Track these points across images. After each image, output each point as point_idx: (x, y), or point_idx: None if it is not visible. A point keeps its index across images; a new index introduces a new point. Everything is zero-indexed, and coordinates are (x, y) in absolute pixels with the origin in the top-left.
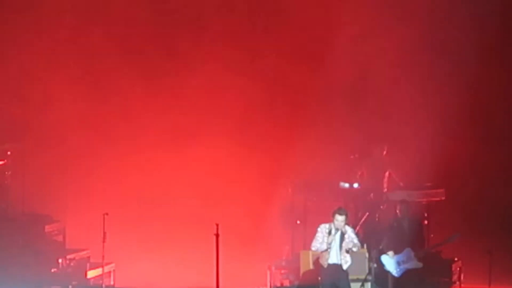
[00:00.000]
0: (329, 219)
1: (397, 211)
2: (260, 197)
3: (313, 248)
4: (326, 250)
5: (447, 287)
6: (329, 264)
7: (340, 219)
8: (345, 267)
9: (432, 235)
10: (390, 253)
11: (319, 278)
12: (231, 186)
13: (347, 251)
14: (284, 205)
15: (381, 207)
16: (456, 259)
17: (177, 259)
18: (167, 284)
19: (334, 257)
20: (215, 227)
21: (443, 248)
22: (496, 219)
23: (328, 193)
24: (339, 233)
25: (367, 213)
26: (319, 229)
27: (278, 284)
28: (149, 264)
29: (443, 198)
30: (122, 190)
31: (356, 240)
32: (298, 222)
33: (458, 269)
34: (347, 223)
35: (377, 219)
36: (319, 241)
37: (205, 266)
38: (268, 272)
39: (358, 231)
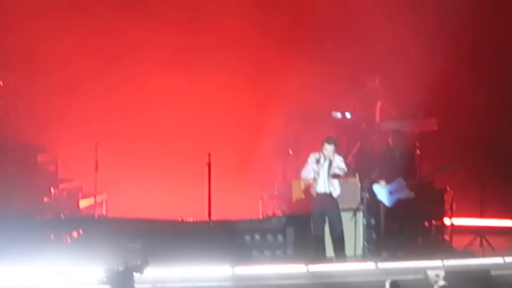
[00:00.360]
0: (322, 149)
1: (389, 141)
2: (252, 126)
3: (302, 177)
4: (314, 178)
5: (438, 217)
6: (318, 193)
7: (328, 148)
8: (334, 194)
9: (424, 165)
10: (382, 182)
11: (310, 207)
12: (223, 116)
13: (333, 177)
14: (276, 135)
15: (373, 137)
16: (448, 188)
17: (169, 188)
18: (159, 213)
19: (322, 186)
20: (207, 156)
21: (435, 178)
22: (488, 149)
23: (321, 122)
24: (327, 161)
25: (359, 143)
26: (309, 158)
27: (270, 214)
28: (141, 194)
29: (435, 128)
30: (114, 120)
31: (341, 165)
32: (290, 151)
33: (450, 198)
34: (336, 152)
35: (369, 149)
36: (308, 169)
37: (197, 196)
38: (260, 202)
39: (349, 161)
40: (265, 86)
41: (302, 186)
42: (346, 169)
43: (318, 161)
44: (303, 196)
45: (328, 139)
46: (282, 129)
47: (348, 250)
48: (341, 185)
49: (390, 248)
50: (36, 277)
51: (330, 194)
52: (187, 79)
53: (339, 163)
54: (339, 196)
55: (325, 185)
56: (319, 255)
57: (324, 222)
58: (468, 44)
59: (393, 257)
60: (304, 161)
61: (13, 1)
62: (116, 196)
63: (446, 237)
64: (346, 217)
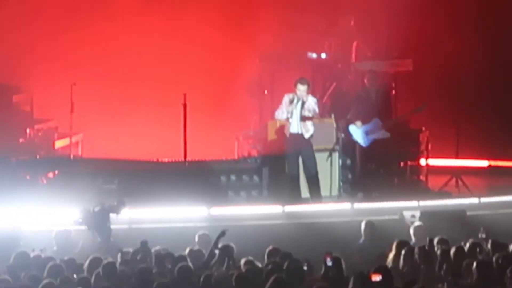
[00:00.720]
0: None
1: (365, 81)
2: (228, 67)
3: (276, 117)
4: (288, 119)
5: (414, 157)
6: (291, 133)
7: (302, 88)
8: (306, 136)
9: (399, 105)
10: (358, 123)
11: (284, 148)
12: (198, 57)
13: (303, 119)
14: (252, 75)
15: (349, 77)
16: (423, 129)
17: (144, 129)
18: (135, 154)
19: (295, 126)
20: (183, 97)
21: (410, 118)
22: (464, 89)
23: (296, 63)
24: (300, 102)
25: (335, 83)
26: (283, 99)
27: (246, 154)
28: (117, 135)
29: (410, 68)
30: (90, 61)
31: (312, 107)
32: (266, 92)
33: (425, 139)
34: (309, 93)
35: (344, 90)
36: (282, 110)
37: (173, 136)
38: (236, 142)
39: (325, 101)
40: (239, 27)
41: (277, 126)
42: (317, 110)
43: (291, 102)
44: (277, 136)
45: (301, 79)
46: (258, 70)
47: (324, 190)
48: (315, 125)
49: (366, 189)
50: (11, 218)
51: (302, 134)
52: (164, 19)
53: (310, 105)
54: (314, 136)
55: (297, 126)
56: (294, 195)
57: (298, 163)
58: None
59: (368, 197)
60: (279, 102)
61: None
62: (92, 137)
63: (422, 177)
64: (321, 157)
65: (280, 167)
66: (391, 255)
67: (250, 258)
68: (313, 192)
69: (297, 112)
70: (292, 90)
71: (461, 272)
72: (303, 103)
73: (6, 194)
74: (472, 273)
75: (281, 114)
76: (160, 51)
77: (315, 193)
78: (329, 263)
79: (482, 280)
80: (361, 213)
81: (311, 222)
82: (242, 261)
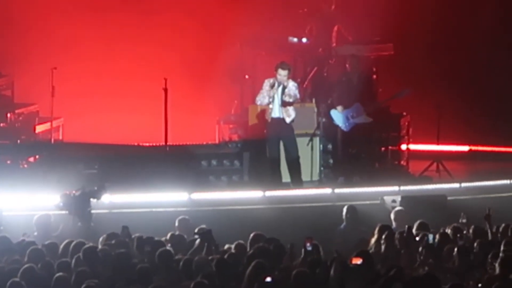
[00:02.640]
0: None
1: (346, 66)
2: (209, 52)
3: (257, 102)
4: (268, 104)
5: (395, 142)
6: (272, 118)
7: (282, 73)
8: (288, 120)
9: (381, 90)
10: (339, 107)
11: (265, 133)
12: (180, 41)
13: (284, 104)
14: (233, 59)
15: (330, 61)
16: (404, 114)
17: (125, 114)
18: (116, 138)
19: (276, 111)
20: (164, 82)
21: (392, 103)
22: (445, 74)
23: (277, 47)
24: (281, 87)
25: (316, 68)
26: (264, 84)
27: (227, 139)
28: (98, 119)
29: (392, 52)
30: (71, 45)
31: (293, 92)
32: (247, 76)
33: (406, 123)
34: (290, 78)
35: (325, 74)
36: (263, 95)
37: (154, 121)
38: (217, 127)
39: (306, 86)
40: (220, 12)
41: (258, 111)
42: (298, 95)
43: (272, 87)
44: (258, 121)
45: (282, 64)
46: (239, 54)
47: (305, 175)
48: (296, 110)
49: (347, 174)
50: None
51: (283, 119)
52: (144, 5)
53: (291, 90)
54: (295, 121)
55: (278, 110)
56: (275, 180)
57: (279, 147)
58: None
59: (350, 182)
60: (260, 87)
61: None
62: (73, 121)
63: (403, 162)
64: (302, 142)
65: (261, 152)
66: (373, 240)
67: (240, 242)
68: (294, 177)
69: (278, 97)
70: (273, 75)
71: (442, 257)
72: (283, 88)
73: None
74: (454, 258)
75: (261, 99)
76: (141, 35)
77: (296, 177)
78: (309, 248)
79: (464, 265)
80: (342, 198)
81: (292, 206)
82: (226, 246)
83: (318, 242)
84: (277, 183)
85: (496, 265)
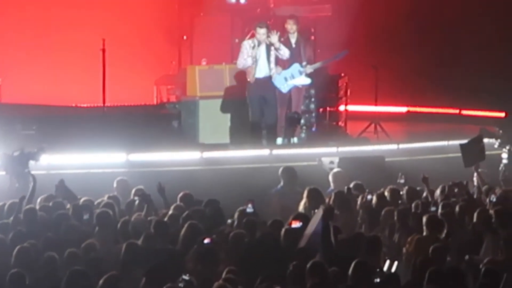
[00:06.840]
0: (216, 35)
1: (285, 26)
2: (147, 13)
3: (239, 66)
4: (252, 65)
5: (333, 103)
6: (257, 78)
7: (261, 32)
8: (277, 71)
9: (319, 51)
10: (278, 68)
11: (247, 93)
12: (117, 1)
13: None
14: (170, 20)
15: (268, 22)
16: (342, 74)
17: (63, 74)
18: (54, 100)
19: (263, 70)
20: (102, 42)
21: (330, 64)
22: (382, 35)
23: (215, 8)
24: (263, 45)
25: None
26: (242, 46)
27: (165, 100)
28: (36, 80)
29: (330, 13)
30: (7, 5)
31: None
32: (185, 37)
33: (344, 84)
34: (269, 35)
35: None
36: (244, 57)
37: (92, 82)
38: (155, 88)
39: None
40: None
41: (197, 72)
42: (286, 50)
43: (253, 47)
44: (197, 81)
45: (259, 23)
46: (176, 15)
47: (242, 137)
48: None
49: (285, 135)
50: None
51: (270, 78)
52: None
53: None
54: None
55: (265, 69)
56: (256, 142)
57: (262, 109)
58: None
59: (287, 144)
60: (198, 47)
61: None
62: (10, 82)
63: (341, 123)
64: (241, 104)
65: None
66: (302, 203)
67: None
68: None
69: (263, 56)
70: (212, 35)
71: (379, 220)
72: (267, 46)
73: None
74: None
75: (244, 61)
76: None
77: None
78: (250, 209)
79: (401, 226)
80: (279, 159)
81: (230, 168)
82: (173, 206)
83: (256, 203)
84: (258, 145)
85: (424, 226)
